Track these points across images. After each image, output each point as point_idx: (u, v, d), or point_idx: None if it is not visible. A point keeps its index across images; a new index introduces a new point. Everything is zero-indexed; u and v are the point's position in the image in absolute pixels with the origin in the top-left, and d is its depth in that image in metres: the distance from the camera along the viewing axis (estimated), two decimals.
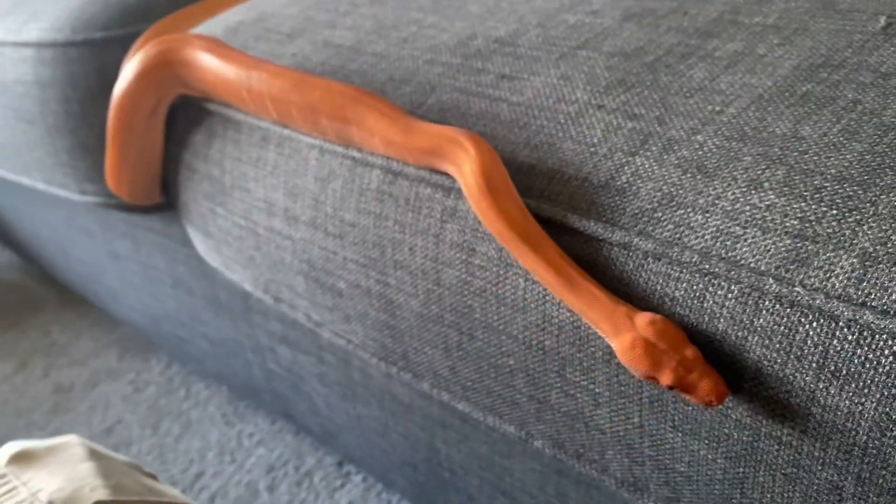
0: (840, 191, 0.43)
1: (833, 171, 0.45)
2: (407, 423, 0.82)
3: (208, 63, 0.68)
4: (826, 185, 0.44)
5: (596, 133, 0.53)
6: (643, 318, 0.43)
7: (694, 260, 0.44)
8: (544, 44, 0.63)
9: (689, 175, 0.48)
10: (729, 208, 0.45)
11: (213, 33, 0.83)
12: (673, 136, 0.51)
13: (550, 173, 0.52)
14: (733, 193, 0.46)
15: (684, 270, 0.44)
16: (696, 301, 0.44)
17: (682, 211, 0.46)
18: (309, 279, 0.70)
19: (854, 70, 0.52)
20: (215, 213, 0.78)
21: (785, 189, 0.45)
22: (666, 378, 0.41)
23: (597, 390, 0.50)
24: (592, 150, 0.52)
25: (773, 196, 0.45)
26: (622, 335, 0.43)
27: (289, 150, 0.67)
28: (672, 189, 0.48)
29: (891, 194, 0.42)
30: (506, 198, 0.50)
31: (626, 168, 0.50)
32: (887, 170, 0.44)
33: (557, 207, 0.51)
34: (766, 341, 0.41)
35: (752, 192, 0.45)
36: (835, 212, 0.42)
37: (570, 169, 0.52)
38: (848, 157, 0.45)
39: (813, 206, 0.43)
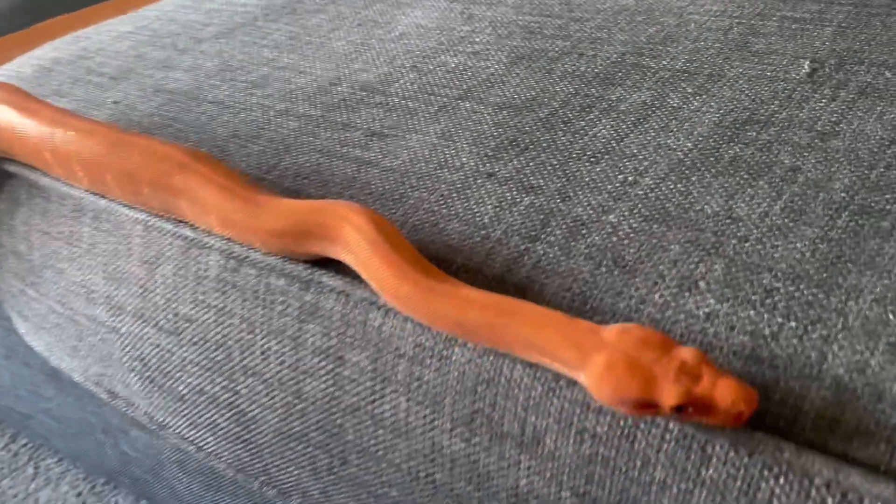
0: (797, 294, 0.34)
1: (783, 265, 0.36)
2: None
3: (4, 117, 0.54)
4: (778, 285, 0.35)
5: (487, 210, 0.43)
6: (613, 330, 0.33)
7: None
8: (421, 92, 0.53)
9: (603, 269, 0.38)
10: (658, 316, 0.36)
11: (21, 74, 0.68)
12: (579, 215, 0.41)
13: (434, 262, 0.42)
14: (661, 296, 0.36)
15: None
16: (625, 442, 0.34)
17: (599, 318, 0.37)
18: (144, 379, 0.56)
19: (786, 128, 0.44)
20: (27, 295, 0.63)
21: (727, 291, 0.35)
22: (669, 396, 0.30)
23: None
24: (484, 232, 0.42)
25: (712, 301, 0.35)
26: (591, 357, 0.32)
27: (107, 225, 0.53)
28: (585, 288, 0.38)
29: (859, 299, 0.34)
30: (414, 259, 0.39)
31: (525, 258, 0.40)
32: (849, 264, 0.35)
33: None
34: (719, 498, 0.32)
35: (686, 294, 0.36)
36: (793, 324, 0.33)
37: (459, 257, 0.41)
38: (798, 246, 0.37)
39: (766, 316, 0.34)
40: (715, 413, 0.30)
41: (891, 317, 0.33)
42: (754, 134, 0.44)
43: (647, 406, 0.31)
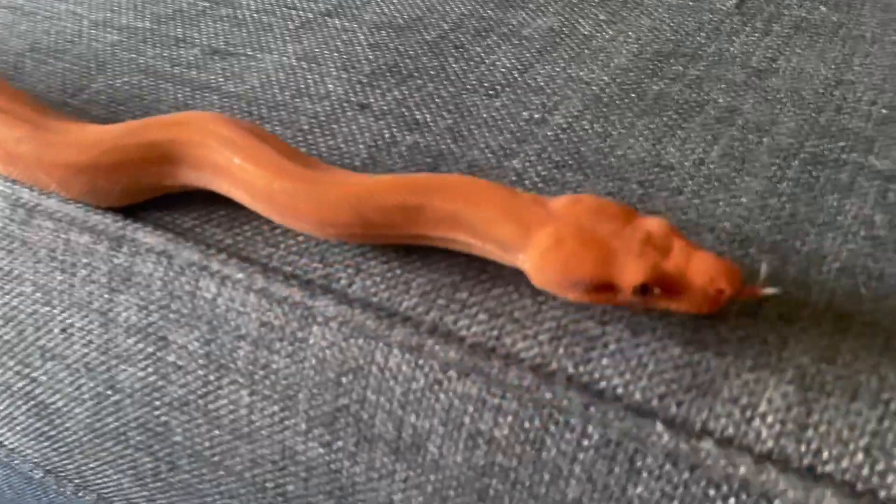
0: (747, 261, 0.27)
1: (727, 224, 0.29)
2: None
3: None
4: (723, 249, 0.28)
5: (359, 150, 0.34)
6: (561, 200, 0.27)
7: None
8: (278, 5, 0.43)
9: None
10: None
11: None
12: (476, 159, 0.33)
13: None
14: None
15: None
16: (529, 449, 0.26)
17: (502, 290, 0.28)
18: None
19: (716, 63, 0.37)
20: None
21: None
22: (631, 273, 0.24)
23: None
24: None
25: None
26: (534, 233, 0.26)
27: None
28: None
29: (822, 268, 0.27)
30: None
31: None
32: (806, 224, 0.28)
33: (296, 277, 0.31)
34: None
35: None
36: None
37: None
38: (744, 201, 0.30)
39: None
40: (688, 294, 0.24)
41: (862, 290, 0.26)
42: (681, 69, 0.37)
43: (602, 289, 0.25)
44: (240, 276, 0.31)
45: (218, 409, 0.33)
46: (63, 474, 0.44)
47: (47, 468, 0.45)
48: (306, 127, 0.35)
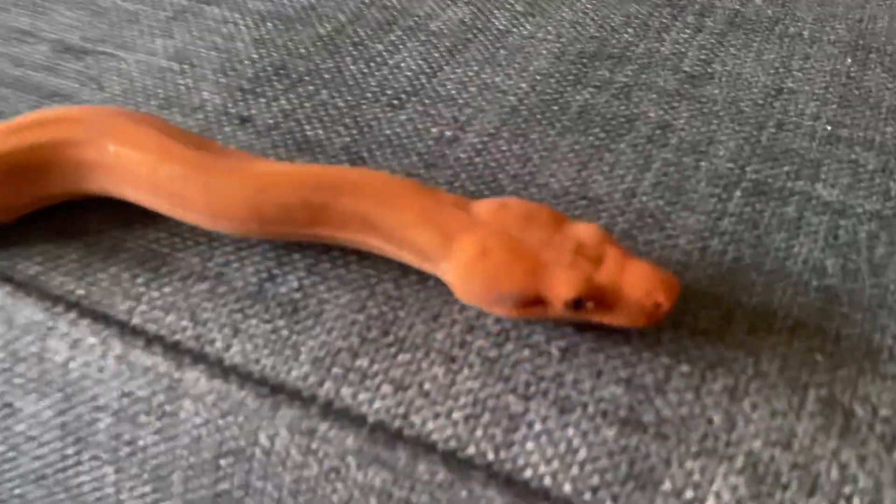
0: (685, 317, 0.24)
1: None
2: None
3: None
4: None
5: None
6: (486, 204, 0.24)
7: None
8: None
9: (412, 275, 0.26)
10: (499, 341, 0.24)
11: None
12: None
13: (154, 259, 0.27)
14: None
15: None
16: None
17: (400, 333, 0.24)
18: None
19: (646, 66, 0.33)
20: None
21: None
22: (562, 286, 0.22)
23: None
24: None
25: (570, 330, 0.24)
26: (456, 241, 0.24)
27: None
28: (384, 306, 0.25)
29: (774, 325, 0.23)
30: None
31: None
32: (752, 273, 0.25)
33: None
34: None
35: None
36: (685, 368, 0.23)
37: (189, 251, 0.27)
38: (681, 242, 0.26)
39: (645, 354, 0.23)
40: (624, 307, 0.22)
41: (818, 356, 0.23)
42: (607, 73, 0.33)
43: (532, 303, 0.23)
44: (93, 340, 0.26)
45: (80, 486, 0.28)
46: None
47: None
48: None
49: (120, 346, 0.25)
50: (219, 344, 0.25)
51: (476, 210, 0.24)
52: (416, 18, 0.36)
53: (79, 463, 0.28)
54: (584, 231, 0.23)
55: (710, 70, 0.33)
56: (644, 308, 0.22)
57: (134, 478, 0.27)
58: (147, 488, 0.27)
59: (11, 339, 0.27)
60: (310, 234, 0.26)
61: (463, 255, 0.23)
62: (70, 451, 0.28)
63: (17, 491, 0.30)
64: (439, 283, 0.25)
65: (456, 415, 0.23)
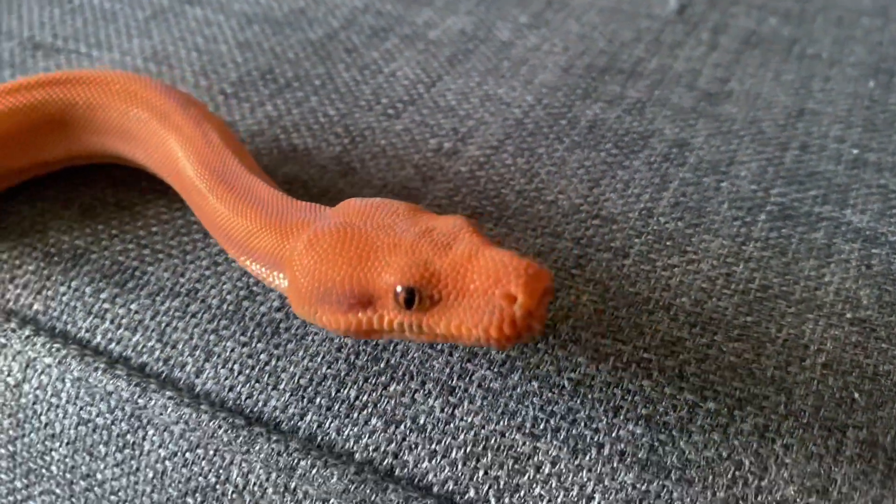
0: (711, 352, 0.21)
1: (686, 301, 0.23)
2: None
3: None
4: (683, 335, 0.22)
5: None
6: (342, 204, 0.21)
7: None
8: None
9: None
10: (501, 372, 0.21)
11: None
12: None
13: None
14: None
15: None
16: None
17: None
18: None
19: (658, 82, 0.31)
20: None
21: (621, 337, 0.22)
22: (390, 272, 0.18)
23: None
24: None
25: (582, 361, 0.21)
26: (294, 241, 0.20)
27: None
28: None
29: (805, 361, 0.21)
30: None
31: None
32: (780, 302, 0.23)
33: None
34: None
35: (538, 344, 0.22)
36: (711, 405, 0.20)
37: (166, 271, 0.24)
38: (704, 268, 0.24)
39: (668, 390, 0.21)
40: (469, 304, 0.17)
41: (855, 395, 0.21)
42: (618, 88, 0.31)
43: (364, 304, 0.19)
44: (48, 360, 0.23)
45: None
46: None
47: None
48: None
49: (79, 367, 0.23)
50: (189, 368, 0.22)
51: (329, 210, 0.21)
52: (414, 27, 0.34)
53: (29, 497, 0.25)
54: (443, 221, 0.19)
55: (727, 88, 0.31)
56: (493, 303, 0.17)
57: None
58: None
59: None
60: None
61: (294, 255, 0.20)
62: (19, 483, 0.25)
63: None
64: None
65: (455, 454, 0.20)
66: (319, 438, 0.21)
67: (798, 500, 0.19)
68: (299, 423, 0.21)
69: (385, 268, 0.18)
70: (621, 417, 0.20)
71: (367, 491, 0.20)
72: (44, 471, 0.24)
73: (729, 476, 0.20)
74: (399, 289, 0.18)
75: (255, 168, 0.24)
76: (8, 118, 0.25)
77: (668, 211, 0.25)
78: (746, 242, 0.24)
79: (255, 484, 0.21)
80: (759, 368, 0.21)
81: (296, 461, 0.21)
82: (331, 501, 0.20)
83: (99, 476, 0.23)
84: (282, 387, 0.22)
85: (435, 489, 0.20)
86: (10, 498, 0.25)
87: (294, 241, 0.20)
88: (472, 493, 0.20)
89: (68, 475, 0.24)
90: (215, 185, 0.22)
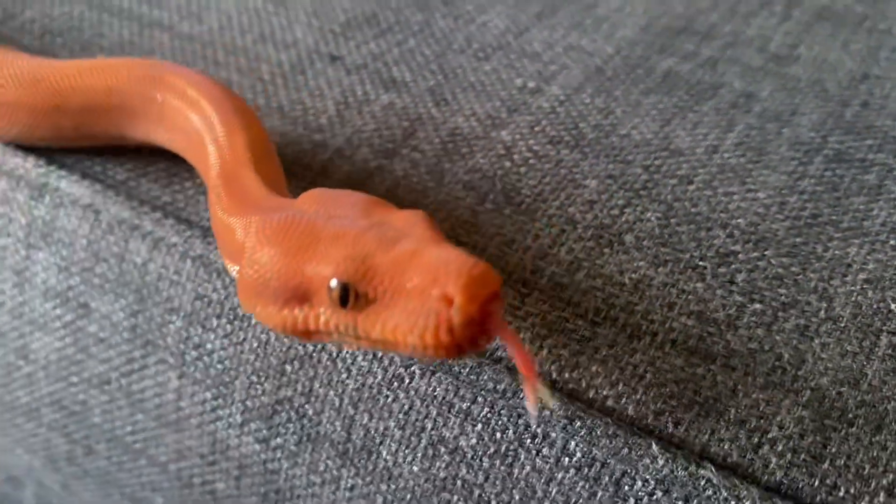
0: (762, 263, 0.24)
1: (742, 221, 0.25)
2: None
3: None
4: (736, 248, 0.24)
5: (326, 106, 0.30)
6: (295, 200, 0.21)
7: None
8: None
9: (489, 205, 0.26)
10: (564, 280, 0.24)
11: None
12: (459, 126, 0.29)
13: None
14: (570, 250, 0.25)
15: None
16: (499, 463, 0.22)
17: None
18: None
19: (731, 44, 0.33)
20: None
21: (664, 251, 0.24)
22: (323, 263, 0.17)
23: None
24: (319, 137, 0.29)
25: (643, 263, 0.24)
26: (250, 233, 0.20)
27: None
28: (460, 230, 0.26)
29: (847, 278, 0.23)
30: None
31: (376, 179, 0.27)
32: (829, 228, 0.25)
33: None
34: None
35: (606, 250, 0.25)
36: (758, 306, 0.23)
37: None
38: (761, 196, 0.26)
39: (719, 292, 0.23)
40: (404, 304, 0.16)
41: (892, 305, 0.23)
42: (693, 47, 0.33)
43: (298, 298, 0.18)
44: (175, 239, 0.26)
45: (143, 391, 0.29)
46: None
47: None
48: (267, 77, 0.31)
49: (201, 246, 0.26)
50: None
51: (296, 202, 0.20)
52: None
53: (144, 367, 0.28)
54: (400, 215, 0.18)
55: (795, 53, 0.33)
56: (429, 304, 0.15)
57: (197, 383, 0.27)
58: (208, 394, 0.27)
59: (94, 240, 0.28)
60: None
61: (245, 243, 0.19)
62: (137, 353, 0.28)
63: (80, 397, 0.31)
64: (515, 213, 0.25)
65: (523, 333, 0.23)
66: None
67: (831, 388, 0.21)
68: None
69: (322, 259, 0.17)
70: (675, 311, 0.23)
71: None
72: (160, 342, 0.28)
73: (769, 365, 0.22)
74: (333, 283, 0.16)
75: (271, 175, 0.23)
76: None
77: (731, 148, 0.28)
78: (802, 178, 0.27)
79: (346, 352, 0.24)
80: (804, 279, 0.23)
81: None
82: (412, 367, 0.23)
83: (209, 346, 0.27)
84: None
85: (503, 361, 0.23)
86: (127, 367, 0.29)
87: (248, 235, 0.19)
88: (538, 367, 0.23)
89: (181, 346, 0.27)
90: (224, 194, 0.22)
